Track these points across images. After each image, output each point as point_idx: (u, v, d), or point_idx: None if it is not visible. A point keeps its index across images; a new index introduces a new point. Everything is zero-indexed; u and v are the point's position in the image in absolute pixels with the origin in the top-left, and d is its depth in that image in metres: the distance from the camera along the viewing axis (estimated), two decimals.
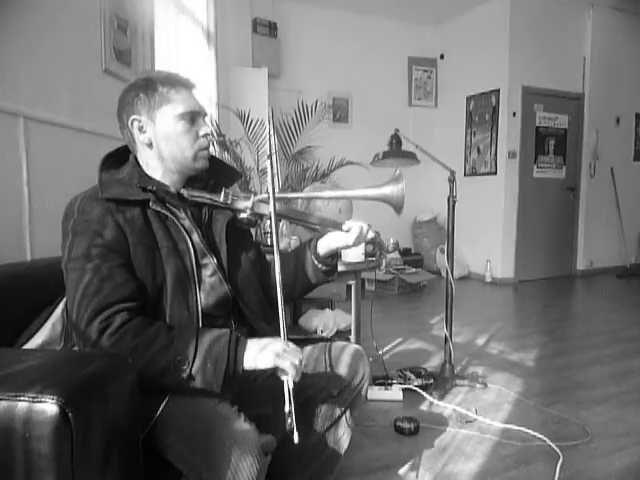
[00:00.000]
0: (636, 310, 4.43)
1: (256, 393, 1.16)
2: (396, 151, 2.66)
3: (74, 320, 1.04)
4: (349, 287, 2.58)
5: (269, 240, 2.84)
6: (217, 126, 4.02)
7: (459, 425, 2.11)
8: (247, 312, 1.23)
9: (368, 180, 4.68)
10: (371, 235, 1.31)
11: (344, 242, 1.28)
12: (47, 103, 2.06)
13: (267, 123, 1.21)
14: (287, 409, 0.92)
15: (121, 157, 1.22)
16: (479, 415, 2.19)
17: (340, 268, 2.42)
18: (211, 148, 1.25)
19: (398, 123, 3.41)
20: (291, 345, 1.02)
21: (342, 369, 1.25)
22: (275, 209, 1.12)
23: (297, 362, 0.99)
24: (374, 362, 2.69)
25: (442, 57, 6.43)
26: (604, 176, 6.14)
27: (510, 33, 5.43)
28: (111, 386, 0.82)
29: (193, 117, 1.18)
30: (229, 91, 4.67)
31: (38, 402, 0.70)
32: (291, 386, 0.95)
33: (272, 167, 1.16)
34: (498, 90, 5.60)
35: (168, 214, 1.14)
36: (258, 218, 1.22)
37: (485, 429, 2.08)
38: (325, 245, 1.32)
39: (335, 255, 1.35)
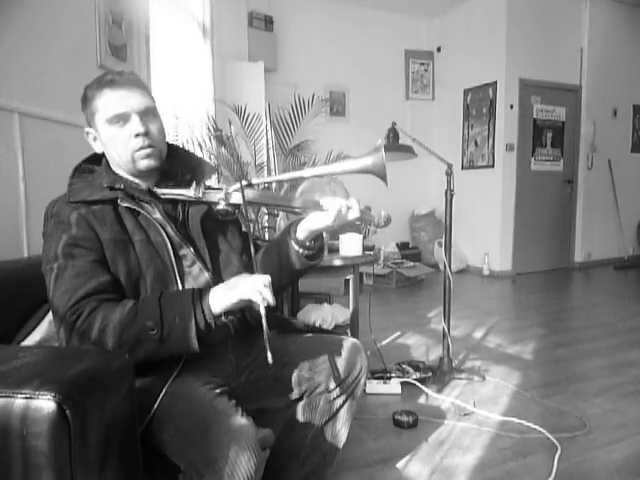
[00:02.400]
0: (634, 302, 4.44)
1: (253, 387, 1.17)
2: (393, 144, 2.66)
3: (54, 318, 1.06)
4: (347, 281, 2.59)
5: (267, 235, 2.83)
6: (214, 121, 4.01)
7: (457, 418, 2.12)
8: None
9: (367, 174, 4.69)
10: (354, 214, 1.20)
11: (323, 223, 1.18)
12: (42, 99, 2.05)
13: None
14: (265, 333, 0.96)
15: (98, 160, 1.26)
16: (477, 408, 2.20)
17: (337, 262, 2.43)
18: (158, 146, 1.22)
19: (395, 116, 3.40)
20: (254, 275, 1.04)
21: (339, 363, 1.24)
22: (245, 199, 1.14)
23: (263, 287, 1.00)
24: (372, 356, 2.70)
25: (439, 50, 6.41)
26: (601, 168, 6.14)
27: (507, 25, 5.41)
28: (108, 382, 0.82)
29: (122, 119, 1.15)
30: (225, 86, 4.65)
31: (35, 399, 0.70)
32: (263, 312, 0.98)
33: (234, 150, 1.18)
34: (495, 83, 5.59)
35: (140, 210, 1.16)
36: (235, 208, 1.20)
37: (483, 422, 2.09)
38: (305, 228, 1.22)
39: (319, 238, 1.27)
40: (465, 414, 2.15)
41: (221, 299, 1.03)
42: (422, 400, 2.31)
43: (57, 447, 0.70)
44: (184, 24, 4.21)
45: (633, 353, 2.94)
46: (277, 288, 1.32)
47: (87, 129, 1.22)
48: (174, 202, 1.24)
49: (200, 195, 1.19)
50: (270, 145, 4.42)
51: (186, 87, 4.28)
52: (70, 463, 0.71)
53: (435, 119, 6.46)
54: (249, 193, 1.19)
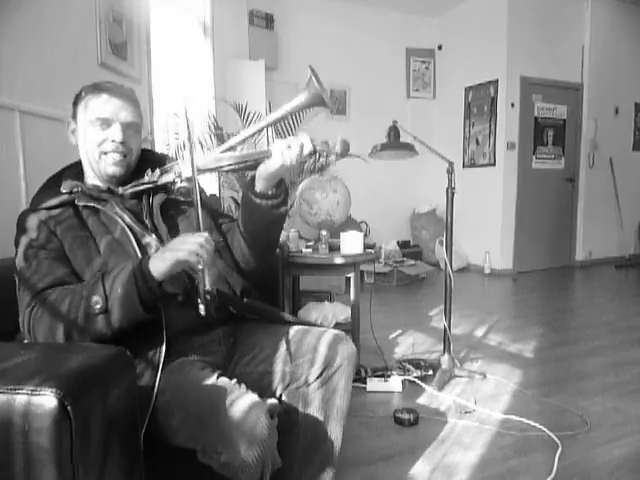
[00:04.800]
0: (635, 301, 4.44)
1: (240, 380, 1.16)
2: (394, 143, 2.66)
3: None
4: (348, 280, 2.59)
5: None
6: (214, 119, 4.01)
7: (458, 416, 2.12)
8: None
9: (367, 172, 4.65)
10: (306, 148, 1.17)
11: (273, 166, 1.17)
12: (43, 97, 2.05)
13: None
14: (202, 289, 1.00)
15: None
16: (478, 406, 2.20)
17: (338, 261, 2.43)
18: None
19: (396, 115, 3.40)
20: (191, 235, 1.06)
21: (320, 355, 1.22)
22: (194, 163, 1.13)
23: (199, 247, 1.02)
24: (373, 354, 2.70)
25: (440, 48, 6.40)
26: (603, 166, 6.13)
27: (508, 23, 5.40)
28: (110, 378, 0.82)
29: (105, 123, 1.22)
30: (226, 84, 4.65)
31: (37, 395, 0.70)
32: (201, 268, 1.02)
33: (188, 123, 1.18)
34: (496, 81, 5.58)
35: (99, 207, 1.21)
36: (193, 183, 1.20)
37: (484, 420, 2.09)
38: (260, 178, 1.22)
39: (281, 184, 1.26)
40: (466, 412, 2.15)
41: (160, 265, 1.05)
42: (423, 398, 2.32)
43: (58, 443, 0.70)
44: (185, 22, 4.20)
45: (634, 352, 2.94)
46: (263, 250, 1.35)
47: (69, 120, 1.29)
48: (138, 197, 1.29)
49: (155, 179, 1.23)
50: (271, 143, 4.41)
51: (186, 85, 4.28)
52: (71, 458, 0.71)
53: (436, 117, 6.46)
54: (199, 162, 1.19)
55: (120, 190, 1.26)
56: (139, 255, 1.16)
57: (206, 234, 1.06)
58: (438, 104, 6.51)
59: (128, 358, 0.88)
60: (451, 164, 2.49)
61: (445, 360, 2.55)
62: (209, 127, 3.92)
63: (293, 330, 1.30)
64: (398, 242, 5.82)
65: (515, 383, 2.46)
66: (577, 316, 3.96)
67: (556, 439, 1.88)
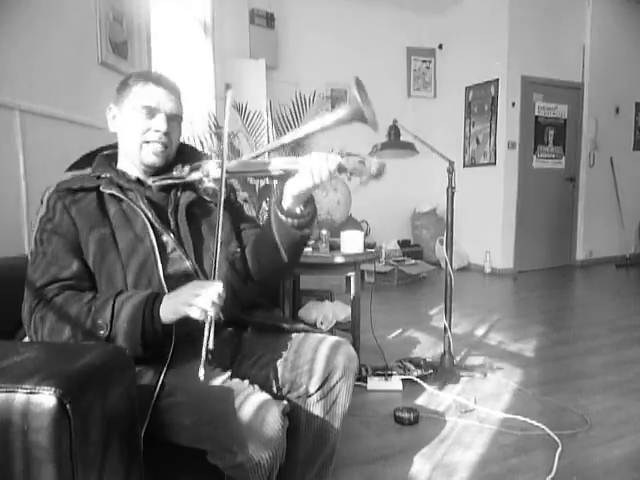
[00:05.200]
0: (635, 300, 4.43)
1: (254, 376, 1.15)
2: (395, 142, 2.65)
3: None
4: (348, 279, 2.59)
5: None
6: (214, 119, 4.01)
7: (458, 415, 2.12)
8: None
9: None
10: (333, 164, 1.12)
11: (304, 184, 1.11)
12: (43, 96, 2.05)
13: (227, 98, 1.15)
14: (205, 348, 0.94)
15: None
16: (478, 405, 2.20)
17: (339, 260, 2.43)
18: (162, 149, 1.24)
19: (397, 114, 3.38)
20: (205, 284, 1.02)
21: (319, 365, 1.19)
22: (224, 166, 1.10)
23: (210, 306, 0.98)
24: (374, 353, 2.70)
25: (441, 47, 6.40)
26: (603, 166, 6.13)
27: (509, 22, 5.40)
28: (109, 377, 0.82)
29: (150, 112, 1.21)
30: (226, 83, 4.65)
31: (36, 394, 0.70)
32: (207, 328, 0.96)
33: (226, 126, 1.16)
34: (497, 80, 5.58)
35: (123, 197, 1.19)
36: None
37: (484, 419, 2.09)
38: (289, 194, 1.15)
39: (309, 203, 1.20)
40: (466, 411, 2.15)
41: (170, 311, 1.04)
42: (423, 397, 2.31)
43: (58, 442, 0.70)
44: (185, 21, 4.20)
45: (634, 351, 2.94)
46: (280, 268, 1.31)
47: (111, 105, 1.27)
48: (167, 190, 1.27)
49: (183, 175, 1.21)
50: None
51: (187, 84, 4.28)
52: (71, 457, 0.71)
53: (437, 116, 6.45)
54: (228, 165, 1.17)
55: (149, 181, 1.25)
56: (157, 254, 1.15)
57: (220, 286, 1.00)
58: (439, 103, 6.51)
59: (127, 357, 0.87)
60: (451, 163, 2.49)
61: (445, 359, 2.55)
62: (209, 126, 3.92)
63: (293, 337, 1.28)
64: (398, 241, 5.82)
65: (515, 382, 2.46)
66: (577, 315, 3.96)
67: (556, 438, 1.88)
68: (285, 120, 4.17)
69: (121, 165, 1.28)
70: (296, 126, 4.11)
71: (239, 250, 1.31)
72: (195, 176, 1.20)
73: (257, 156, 1.24)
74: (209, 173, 1.18)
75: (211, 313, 0.97)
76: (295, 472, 1.21)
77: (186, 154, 1.33)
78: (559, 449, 1.81)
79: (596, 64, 5.87)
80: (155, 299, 1.06)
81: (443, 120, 6.39)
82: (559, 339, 3.21)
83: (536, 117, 5.74)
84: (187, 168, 1.22)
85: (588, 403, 2.22)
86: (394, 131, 2.65)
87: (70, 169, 1.26)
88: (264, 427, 0.95)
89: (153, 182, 1.25)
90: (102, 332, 1.04)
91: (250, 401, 0.99)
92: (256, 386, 1.06)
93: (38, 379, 0.72)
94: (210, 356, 0.94)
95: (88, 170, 1.26)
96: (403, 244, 5.94)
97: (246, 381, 1.07)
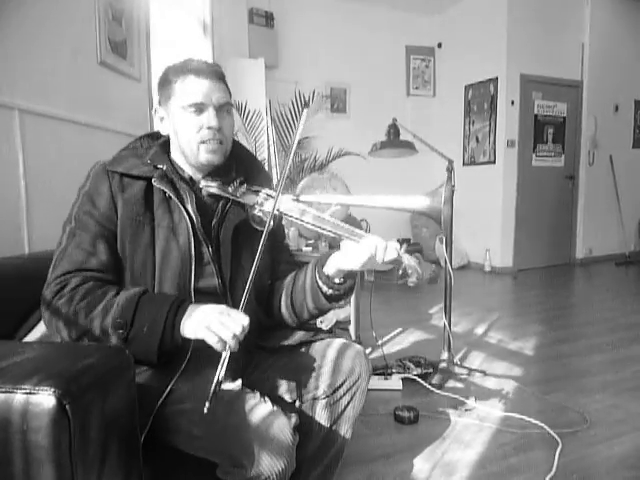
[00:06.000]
0: (635, 298, 4.44)
1: (252, 388, 1.15)
2: (394, 141, 2.66)
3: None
4: None
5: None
6: None
7: (458, 413, 2.12)
8: None
9: (367, 170, 4.65)
10: (390, 255, 1.10)
11: (353, 263, 1.08)
12: (43, 96, 2.05)
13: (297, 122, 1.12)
14: (215, 381, 0.90)
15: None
16: (478, 403, 2.20)
17: None
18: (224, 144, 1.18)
19: (396, 113, 3.39)
20: (233, 313, 0.98)
21: (333, 368, 1.17)
22: (276, 205, 1.05)
23: (231, 338, 0.94)
24: (373, 352, 2.70)
25: (440, 46, 6.39)
26: (603, 164, 6.13)
27: (508, 21, 5.39)
28: (108, 378, 0.82)
29: (199, 108, 1.13)
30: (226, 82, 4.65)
31: (35, 394, 0.70)
32: (223, 358, 0.93)
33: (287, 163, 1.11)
34: (496, 78, 5.58)
35: (172, 195, 1.13)
36: (273, 219, 1.10)
37: (484, 417, 2.09)
38: (334, 264, 1.12)
39: (350, 278, 1.15)
40: (466, 410, 2.15)
41: (191, 328, 1.00)
42: (423, 396, 2.32)
43: (57, 442, 0.70)
44: (184, 20, 4.20)
45: (634, 349, 2.94)
46: (296, 320, 1.24)
47: (156, 107, 1.21)
48: (216, 198, 1.20)
49: (237, 194, 1.15)
50: (271, 142, 4.42)
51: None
52: (70, 457, 0.71)
53: (436, 115, 6.45)
54: (286, 205, 1.12)
55: (202, 184, 1.18)
56: (193, 266, 1.11)
57: (247, 320, 0.97)
58: (438, 102, 6.50)
59: (127, 358, 0.87)
60: (451, 162, 2.49)
61: (445, 358, 2.55)
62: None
63: (304, 342, 1.25)
64: (398, 240, 5.81)
65: (515, 380, 2.46)
66: (577, 313, 3.96)
67: (556, 436, 1.89)
68: (285, 119, 4.17)
69: (175, 158, 1.22)
70: (295, 125, 4.11)
71: (269, 283, 1.27)
72: (248, 200, 1.15)
73: (313, 202, 1.19)
74: (263, 203, 1.13)
75: (231, 345, 0.94)
76: (301, 469, 1.21)
77: (245, 162, 1.27)
78: (559, 447, 1.81)
79: (595, 62, 5.87)
80: (179, 307, 1.03)
81: (442, 119, 6.39)
82: (559, 337, 3.21)
83: (535, 115, 5.74)
84: (243, 188, 1.16)
85: (588, 401, 2.22)
86: (393, 130, 2.66)
87: (125, 154, 1.19)
88: (275, 442, 0.94)
89: (205, 186, 1.17)
90: (121, 331, 1.00)
91: (261, 414, 0.97)
92: (266, 398, 1.03)
93: (37, 379, 0.72)
94: (219, 389, 0.91)
95: (144, 159, 1.19)
96: (403, 243, 5.92)
97: (257, 393, 1.05)
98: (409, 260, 1.12)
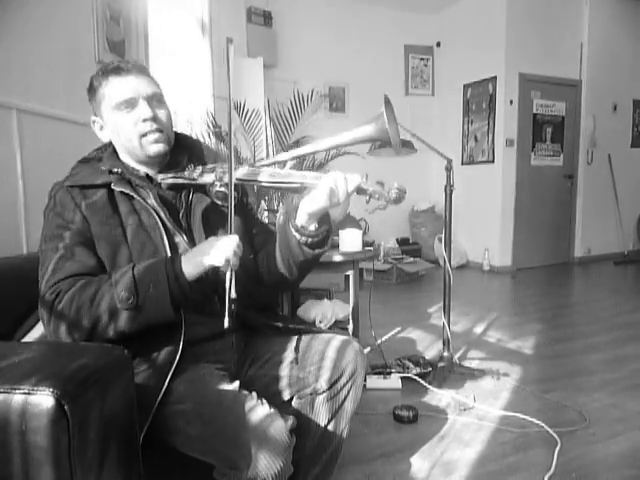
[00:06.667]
0: (633, 297, 4.44)
1: (249, 386, 1.15)
2: None
3: (39, 300, 1.08)
4: (347, 277, 2.59)
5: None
6: (213, 117, 4.00)
7: (457, 412, 2.13)
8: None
9: (365, 169, 4.68)
10: (352, 185, 1.09)
11: (320, 202, 1.08)
12: (41, 96, 2.04)
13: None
14: (227, 298, 0.95)
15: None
16: (477, 402, 2.20)
17: (338, 258, 2.42)
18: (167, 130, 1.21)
19: (395, 112, 3.40)
20: (222, 238, 1.02)
21: (329, 363, 1.18)
22: (232, 170, 1.07)
23: (232, 254, 0.98)
24: (373, 351, 2.70)
25: (439, 45, 6.39)
26: (601, 163, 6.13)
27: (506, 20, 5.39)
28: (107, 378, 0.81)
29: (129, 104, 1.16)
30: (224, 82, 4.64)
31: (34, 394, 0.70)
32: (229, 277, 0.97)
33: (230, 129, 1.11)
34: (495, 78, 5.58)
35: (134, 194, 1.15)
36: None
37: (483, 416, 2.09)
38: (303, 211, 1.11)
39: (324, 221, 1.16)
40: (465, 409, 2.15)
41: (192, 265, 1.04)
42: (422, 395, 2.32)
43: (56, 442, 0.70)
44: (183, 20, 4.19)
45: (632, 348, 2.95)
46: (290, 283, 1.26)
47: (93, 118, 1.23)
48: (177, 190, 1.23)
49: (195, 176, 1.17)
50: (269, 141, 4.41)
51: (185, 83, 4.27)
52: (69, 458, 0.71)
53: (435, 114, 6.45)
54: (240, 171, 1.14)
55: (159, 178, 1.20)
56: (169, 253, 1.12)
57: (237, 237, 1.01)
58: (437, 101, 6.50)
59: (126, 358, 0.87)
60: (450, 161, 2.49)
61: (444, 357, 2.55)
62: (207, 125, 3.91)
63: (303, 337, 1.27)
64: (397, 239, 5.82)
65: (514, 379, 2.47)
66: (576, 312, 3.97)
67: (555, 435, 1.89)
68: (283, 118, 4.17)
69: (126, 161, 1.23)
70: (294, 124, 4.11)
71: (252, 257, 1.28)
72: (207, 179, 1.16)
73: (270, 165, 1.18)
74: (222, 177, 1.14)
75: (233, 261, 0.98)
76: (300, 467, 1.22)
77: (192, 148, 1.29)
78: (558, 446, 1.81)
79: (594, 61, 5.87)
80: (174, 260, 1.05)
81: (441, 118, 6.39)
82: (557, 336, 3.21)
83: (534, 114, 5.74)
84: (199, 170, 1.17)
85: (586, 400, 2.22)
86: None
87: (78, 167, 1.22)
88: (272, 443, 0.94)
89: (162, 180, 1.20)
90: (130, 301, 1.01)
91: (258, 416, 0.98)
92: (264, 400, 1.04)
93: (36, 380, 0.72)
94: (233, 306, 0.95)
95: (97, 166, 1.21)
96: (402, 242, 5.94)
97: (254, 394, 1.05)
98: (373, 186, 1.12)
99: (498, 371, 2.54)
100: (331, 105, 5.90)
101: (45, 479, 0.70)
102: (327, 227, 1.17)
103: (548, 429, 1.94)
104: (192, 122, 3.95)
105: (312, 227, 1.14)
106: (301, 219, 1.13)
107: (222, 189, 1.12)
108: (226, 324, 0.93)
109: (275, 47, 5.32)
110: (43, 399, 0.70)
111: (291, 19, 5.51)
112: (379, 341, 2.74)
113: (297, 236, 1.13)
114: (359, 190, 1.11)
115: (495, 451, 1.82)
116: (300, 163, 4.38)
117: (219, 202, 1.17)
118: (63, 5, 2.23)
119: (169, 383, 1.06)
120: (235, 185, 1.12)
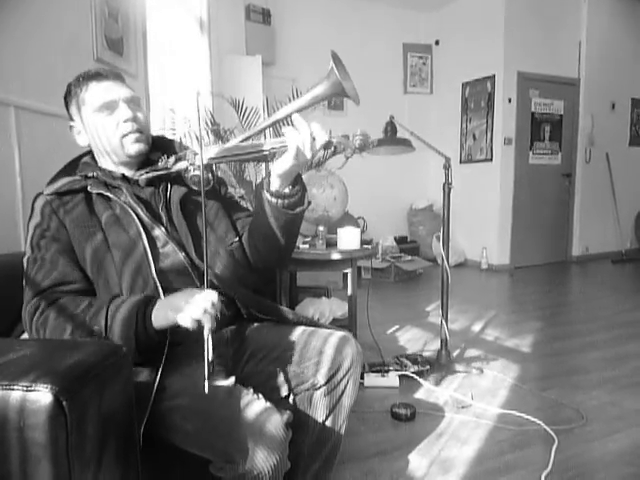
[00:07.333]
0: (631, 295, 4.45)
1: (246, 381, 1.15)
2: (391, 138, 2.65)
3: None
4: (345, 275, 2.59)
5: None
6: (211, 115, 4.00)
7: (455, 410, 2.13)
8: (217, 282, 1.21)
9: (364, 168, 4.66)
10: (320, 140, 1.09)
11: (289, 162, 1.07)
12: (39, 93, 2.04)
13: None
14: (205, 361, 0.91)
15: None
16: (475, 400, 2.20)
17: (336, 256, 2.43)
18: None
19: (393, 110, 3.39)
20: (198, 293, 0.98)
21: (327, 358, 1.20)
22: (202, 145, 1.07)
23: (203, 314, 0.95)
24: (370, 349, 2.70)
25: (437, 43, 6.39)
26: (600, 162, 6.14)
27: (505, 18, 5.39)
28: (106, 374, 0.81)
29: (110, 106, 1.20)
30: (223, 79, 4.64)
31: (32, 391, 0.70)
32: (206, 337, 0.93)
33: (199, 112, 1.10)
34: (493, 76, 5.58)
35: (110, 195, 1.18)
36: (208, 172, 1.16)
37: (481, 414, 2.09)
38: (275, 175, 1.12)
39: (297, 181, 1.16)
40: (463, 407, 2.16)
41: (162, 317, 1.03)
42: (420, 393, 2.32)
43: (54, 439, 0.70)
44: (181, 17, 4.19)
45: (630, 346, 2.95)
46: (278, 252, 1.27)
47: (71, 123, 1.27)
48: (155, 185, 1.26)
49: (168, 165, 1.18)
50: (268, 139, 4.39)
51: (183, 81, 4.26)
52: (67, 454, 0.71)
53: (433, 113, 6.45)
54: (211, 151, 1.14)
55: (136, 176, 1.23)
56: (148, 249, 1.14)
57: (214, 295, 0.97)
58: (435, 99, 6.50)
59: (124, 354, 0.87)
60: (448, 160, 2.49)
61: (442, 355, 2.56)
62: (206, 123, 3.91)
63: (300, 331, 1.28)
64: (395, 238, 5.82)
65: (512, 378, 2.47)
66: (574, 311, 3.98)
67: (552, 433, 1.89)
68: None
69: (103, 164, 1.27)
70: (292, 122, 4.10)
71: (237, 240, 1.30)
72: (181, 165, 1.17)
73: (242, 140, 1.17)
74: (195, 161, 1.14)
75: (206, 323, 0.94)
76: (299, 464, 1.22)
77: (167, 147, 1.31)
78: (555, 444, 1.81)
79: (592, 60, 5.87)
80: (148, 303, 1.06)
81: (439, 116, 6.39)
82: (555, 335, 3.22)
83: (532, 113, 5.75)
84: (172, 159, 1.18)
85: (584, 398, 2.23)
86: (390, 127, 2.65)
87: (57, 176, 1.25)
88: (268, 437, 0.95)
89: (140, 176, 1.22)
90: (100, 333, 1.05)
91: (254, 411, 0.98)
92: (260, 395, 1.04)
93: (34, 376, 0.72)
94: (212, 368, 0.92)
95: (75, 174, 1.24)
96: (400, 240, 5.94)
97: (250, 389, 1.06)
98: (338, 138, 1.12)
99: (496, 369, 2.55)
100: (329, 103, 5.89)
101: (43, 475, 0.70)
102: (301, 187, 1.18)
103: (546, 427, 1.94)
104: (190, 120, 3.94)
105: (286, 190, 1.15)
106: (274, 184, 1.14)
107: (197, 172, 1.13)
108: (206, 390, 0.89)
109: (274, 45, 5.31)
110: (41, 396, 0.70)
111: (289, 17, 5.50)
112: (377, 339, 2.74)
113: (274, 200, 1.14)
114: (326, 145, 1.11)
115: (493, 449, 1.83)
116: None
117: (195, 187, 1.17)
118: (62, 2, 2.22)
119: (164, 379, 1.07)
120: (209, 167, 1.16)
